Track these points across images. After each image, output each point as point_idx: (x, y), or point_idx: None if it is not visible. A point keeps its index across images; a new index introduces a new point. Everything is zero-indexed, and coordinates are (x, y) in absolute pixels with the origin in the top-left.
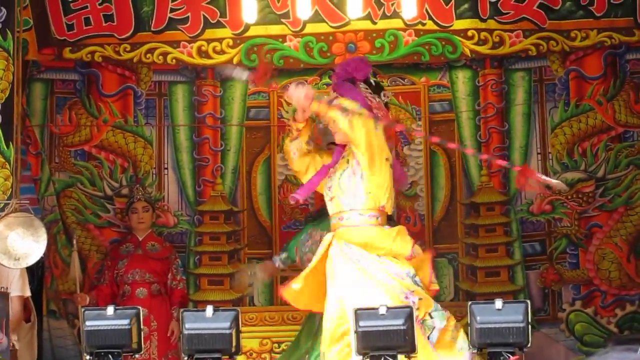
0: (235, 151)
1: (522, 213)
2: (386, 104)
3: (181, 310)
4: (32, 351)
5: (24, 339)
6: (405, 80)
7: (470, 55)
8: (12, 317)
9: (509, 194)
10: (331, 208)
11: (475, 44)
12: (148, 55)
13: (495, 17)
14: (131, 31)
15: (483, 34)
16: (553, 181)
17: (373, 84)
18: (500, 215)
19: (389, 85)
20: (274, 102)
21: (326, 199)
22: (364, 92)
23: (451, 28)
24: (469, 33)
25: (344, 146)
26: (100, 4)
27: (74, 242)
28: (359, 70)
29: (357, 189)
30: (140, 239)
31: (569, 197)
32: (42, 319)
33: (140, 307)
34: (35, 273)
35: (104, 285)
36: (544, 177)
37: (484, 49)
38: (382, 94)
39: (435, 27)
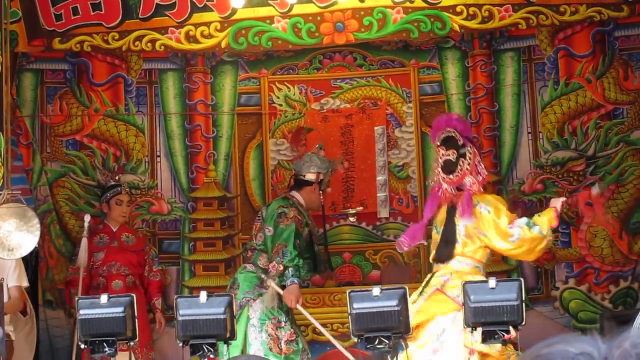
0: (228, 137)
1: (513, 193)
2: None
3: (175, 296)
4: (30, 344)
5: (22, 331)
6: (395, 63)
7: (459, 31)
8: (11, 307)
9: (500, 174)
10: None
11: (464, 19)
12: (137, 42)
13: None
14: (119, 19)
15: (472, 9)
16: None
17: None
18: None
19: (379, 68)
20: (265, 88)
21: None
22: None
23: (440, 4)
24: (458, 9)
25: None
26: None
27: (85, 227)
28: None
29: None
30: (115, 229)
31: (560, 176)
32: (38, 309)
33: (134, 295)
34: (30, 263)
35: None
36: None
37: (473, 24)
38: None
39: (424, 4)
